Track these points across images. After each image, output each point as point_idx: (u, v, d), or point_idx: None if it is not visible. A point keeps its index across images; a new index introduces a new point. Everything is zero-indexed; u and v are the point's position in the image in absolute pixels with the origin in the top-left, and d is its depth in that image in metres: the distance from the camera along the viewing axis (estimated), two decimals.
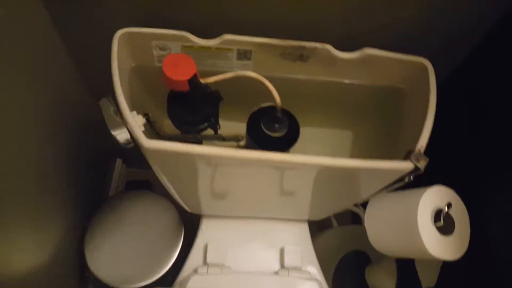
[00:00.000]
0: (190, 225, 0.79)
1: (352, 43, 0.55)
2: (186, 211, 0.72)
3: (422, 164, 0.48)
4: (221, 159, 0.45)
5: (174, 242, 0.77)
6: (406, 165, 0.48)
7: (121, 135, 0.48)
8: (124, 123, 0.47)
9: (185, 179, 0.55)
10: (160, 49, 0.54)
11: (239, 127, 0.61)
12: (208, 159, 0.46)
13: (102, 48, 0.58)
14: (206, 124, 0.53)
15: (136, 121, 0.47)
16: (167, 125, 0.61)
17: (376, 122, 0.66)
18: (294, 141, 0.53)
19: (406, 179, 0.52)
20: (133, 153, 0.52)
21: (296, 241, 0.72)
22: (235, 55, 0.55)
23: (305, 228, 0.74)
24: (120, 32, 0.51)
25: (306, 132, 0.57)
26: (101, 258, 0.73)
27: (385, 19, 0.55)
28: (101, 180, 0.94)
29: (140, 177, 0.99)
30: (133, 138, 0.48)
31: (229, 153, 0.44)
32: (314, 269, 0.70)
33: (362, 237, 0.94)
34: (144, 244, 0.76)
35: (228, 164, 0.48)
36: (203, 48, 0.54)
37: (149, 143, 0.43)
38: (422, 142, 0.49)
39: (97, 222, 0.77)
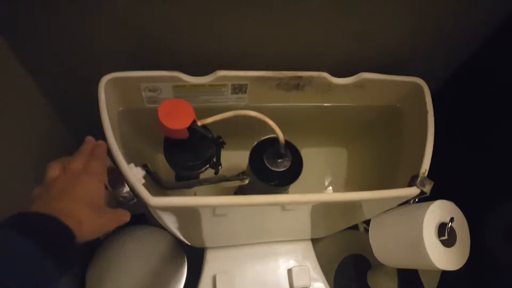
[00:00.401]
0: (191, 253, 0.77)
1: (347, 68, 0.55)
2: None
3: (427, 189, 0.48)
4: (232, 207, 0.44)
5: (178, 273, 0.76)
6: (412, 191, 0.48)
7: (122, 193, 0.45)
8: (123, 179, 0.45)
9: (190, 224, 0.53)
10: (150, 90, 0.52)
11: (236, 156, 0.60)
12: (217, 208, 0.45)
13: (83, 91, 0.55)
14: (207, 166, 0.51)
15: (136, 175, 0.45)
16: (162, 165, 0.59)
17: (372, 139, 0.66)
18: (298, 174, 0.52)
19: (412, 201, 0.52)
20: None
21: (302, 260, 0.72)
22: (229, 89, 0.53)
23: (309, 246, 0.74)
24: (106, 78, 0.47)
25: (303, 153, 0.56)
26: None
27: (379, 44, 0.54)
28: None
29: (131, 209, 0.96)
30: (134, 194, 0.46)
31: (241, 200, 0.43)
32: (323, 286, 0.70)
33: (359, 241, 0.96)
34: (148, 279, 0.74)
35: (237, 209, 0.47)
36: (195, 86, 0.52)
37: (155, 201, 0.41)
38: (425, 166, 0.50)
39: (97, 263, 0.74)
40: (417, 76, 0.56)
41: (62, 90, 0.58)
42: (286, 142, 0.51)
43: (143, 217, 0.94)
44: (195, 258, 0.76)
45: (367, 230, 0.94)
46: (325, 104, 0.58)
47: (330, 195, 0.45)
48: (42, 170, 0.41)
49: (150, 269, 0.75)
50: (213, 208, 0.45)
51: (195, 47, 0.52)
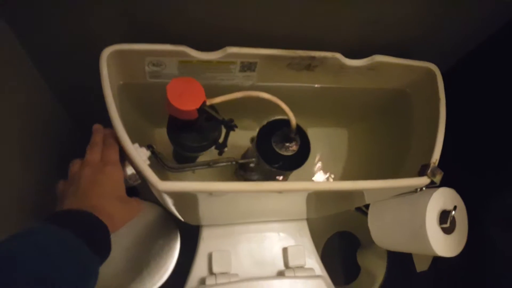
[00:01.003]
0: (184, 229, 0.76)
1: (358, 51, 0.52)
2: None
3: (438, 178, 0.48)
4: (242, 193, 0.43)
5: (171, 248, 0.75)
6: (423, 181, 0.48)
7: (127, 173, 0.43)
8: (127, 159, 0.43)
9: (190, 204, 0.52)
10: (154, 65, 0.48)
11: (238, 136, 0.58)
12: (226, 193, 0.43)
13: (82, 67, 0.51)
14: (213, 147, 0.49)
15: (141, 156, 0.42)
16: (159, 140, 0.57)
17: (379, 124, 0.65)
18: (305, 159, 0.51)
19: (418, 190, 0.52)
20: None
21: (297, 240, 0.73)
22: (238, 67, 0.51)
23: (304, 226, 0.74)
24: (108, 50, 0.44)
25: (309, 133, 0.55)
26: None
27: (392, 28, 0.52)
28: None
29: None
30: (139, 175, 0.44)
31: (250, 187, 0.41)
32: (317, 265, 0.71)
33: (348, 219, 0.97)
34: (139, 253, 0.73)
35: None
36: (202, 62, 0.49)
37: (163, 185, 0.39)
38: (436, 155, 0.49)
39: None
40: (428, 61, 0.54)
41: (62, 70, 0.54)
42: (297, 126, 0.49)
43: (135, 190, 0.92)
44: (187, 234, 0.76)
45: (357, 209, 0.95)
46: (335, 86, 0.56)
47: (338, 183, 0.45)
48: (40, 157, 0.41)
49: (142, 244, 0.74)
50: (223, 193, 0.43)
51: (202, 20, 0.49)
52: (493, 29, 0.56)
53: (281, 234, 0.73)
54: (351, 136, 0.70)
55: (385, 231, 0.64)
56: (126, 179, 0.44)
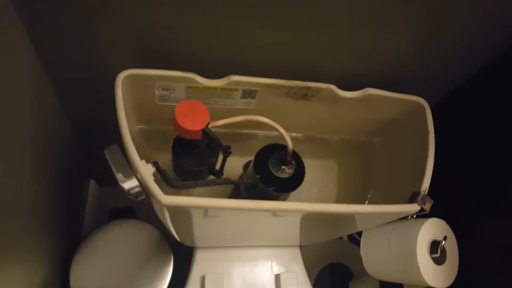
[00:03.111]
0: (178, 249, 0.77)
1: (351, 83, 0.57)
2: (173, 238, 0.70)
3: (428, 206, 0.50)
4: (242, 210, 0.45)
5: (164, 270, 0.75)
6: (412, 208, 0.50)
7: (131, 187, 0.45)
8: (134, 174, 0.45)
9: (190, 222, 0.54)
10: (163, 89, 0.52)
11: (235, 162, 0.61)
12: (227, 210, 0.45)
13: (95, 88, 0.55)
14: (210, 175, 0.52)
15: (148, 171, 0.45)
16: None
17: (369, 153, 0.68)
18: (300, 182, 0.54)
19: (409, 217, 0.55)
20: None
21: (290, 267, 0.73)
22: (240, 94, 0.54)
23: (297, 253, 0.75)
24: (123, 74, 0.47)
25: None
26: None
27: (385, 62, 0.57)
28: (75, 205, 0.88)
29: (120, 201, 0.94)
30: (144, 190, 0.46)
31: (250, 205, 0.44)
32: None
33: (341, 250, 0.98)
34: (133, 274, 0.73)
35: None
36: (208, 88, 0.52)
37: (167, 200, 0.41)
38: (426, 184, 0.52)
39: (81, 257, 0.73)
40: (418, 93, 0.58)
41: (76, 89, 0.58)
42: (294, 152, 0.52)
43: (130, 210, 0.93)
44: (181, 256, 0.76)
45: (350, 240, 0.96)
46: (329, 115, 0.60)
47: (331, 205, 0.47)
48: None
49: (135, 264, 0.74)
50: (223, 210, 0.45)
51: (209, 52, 0.54)
52: (480, 65, 0.60)
53: (274, 261, 0.74)
54: (341, 168, 0.73)
55: (376, 259, 0.65)
56: (130, 193, 0.46)
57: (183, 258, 0.76)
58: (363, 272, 0.88)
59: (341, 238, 0.99)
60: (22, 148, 0.52)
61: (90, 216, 0.91)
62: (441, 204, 0.69)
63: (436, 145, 0.54)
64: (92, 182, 0.96)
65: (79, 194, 0.91)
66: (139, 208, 0.93)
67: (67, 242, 0.75)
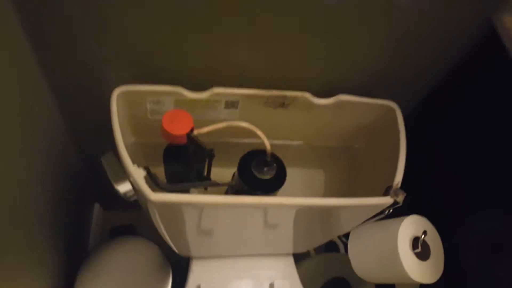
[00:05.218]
0: (177, 265, 0.80)
1: (328, 90, 0.61)
2: (172, 252, 0.73)
3: (400, 198, 0.54)
4: (227, 206, 0.49)
5: (162, 283, 0.78)
6: (386, 200, 0.53)
7: (124, 189, 0.50)
8: (127, 177, 0.50)
9: (181, 224, 0.57)
10: (154, 103, 0.58)
11: (223, 173, 0.65)
12: (213, 207, 0.49)
13: (92, 101, 0.61)
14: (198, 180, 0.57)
15: (139, 175, 0.49)
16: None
17: (349, 158, 0.72)
18: (282, 182, 0.58)
19: (387, 212, 0.58)
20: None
21: (284, 275, 0.76)
22: (223, 105, 0.60)
23: (290, 261, 0.77)
24: (118, 90, 0.53)
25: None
26: None
27: (358, 69, 0.62)
28: (81, 227, 0.92)
29: (122, 222, 0.99)
30: (135, 191, 0.50)
31: (236, 200, 0.48)
32: None
33: (340, 264, 0.99)
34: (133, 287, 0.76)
35: (228, 209, 0.51)
36: (194, 100, 0.58)
37: (154, 196, 0.46)
38: (398, 178, 0.55)
39: (85, 274, 0.76)
40: (392, 98, 0.63)
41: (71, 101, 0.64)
42: (273, 155, 0.57)
43: (131, 228, 0.97)
44: (180, 272, 0.79)
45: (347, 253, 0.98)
46: (307, 121, 0.65)
47: (311, 199, 0.51)
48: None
49: (136, 278, 0.78)
50: (210, 208, 0.49)
51: (193, 66, 0.59)
52: (449, 66, 0.65)
53: (268, 269, 0.76)
54: (327, 174, 0.77)
55: (364, 260, 0.68)
56: (125, 196, 0.50)
57: (182, 272, 0.79)
58: (360, 283, 0.89)
59: (338, 251, 1.01)
60: (35, 180, 0.58)
61: (94, 236, 0.96)
62: (427, 202, 0.73)
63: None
64: (97, 206, 1.01)
65: (85, 216, 0.96)
66: (138, 226, 0.97)
67: (71, 259, 0.78)
